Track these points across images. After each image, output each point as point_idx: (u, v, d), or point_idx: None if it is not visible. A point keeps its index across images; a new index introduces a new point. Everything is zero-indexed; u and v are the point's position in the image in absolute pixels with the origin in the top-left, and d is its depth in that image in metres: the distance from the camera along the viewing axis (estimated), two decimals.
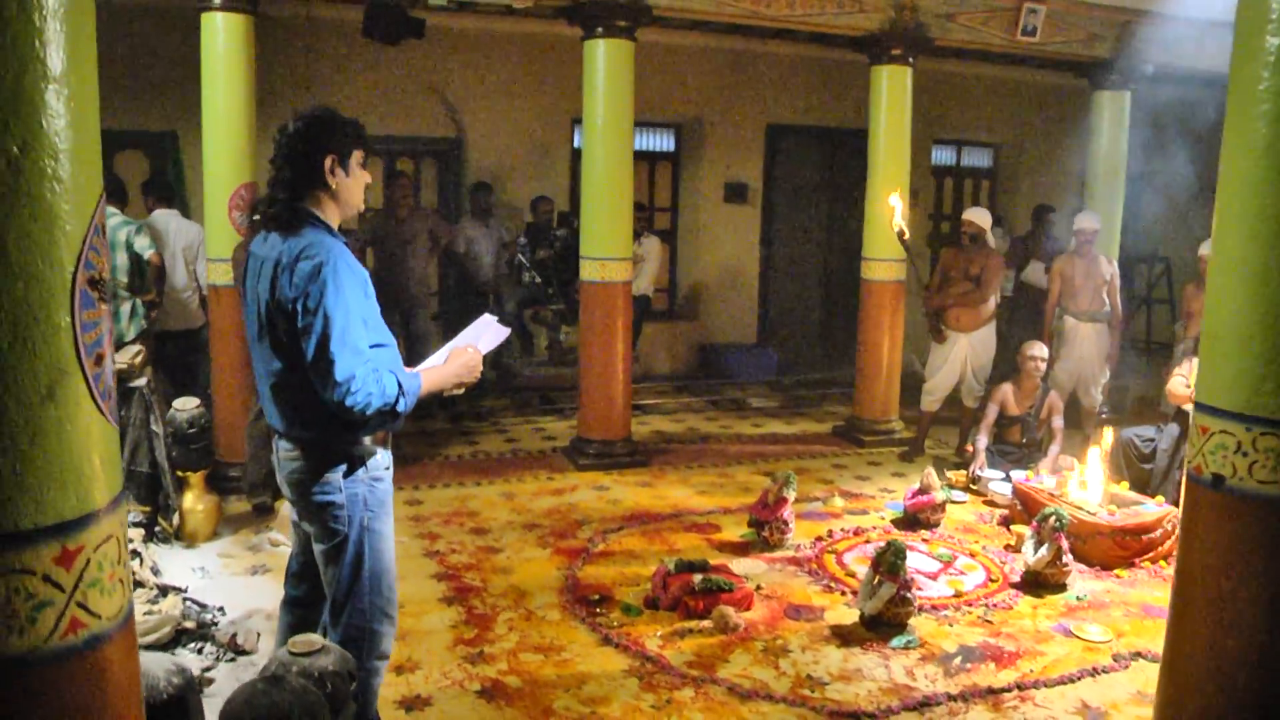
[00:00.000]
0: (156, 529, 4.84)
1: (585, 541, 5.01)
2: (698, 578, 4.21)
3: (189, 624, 3.98)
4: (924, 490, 5.34)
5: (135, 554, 4.31)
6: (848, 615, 4.23)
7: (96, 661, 1.31)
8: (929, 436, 6.90)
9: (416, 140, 8.15)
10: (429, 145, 8.29)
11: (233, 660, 3.76)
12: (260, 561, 4.69)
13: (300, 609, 2.92)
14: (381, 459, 2.68)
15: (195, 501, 4.91)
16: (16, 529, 1.12)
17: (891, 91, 6.60)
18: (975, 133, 9.74)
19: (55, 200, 1.34)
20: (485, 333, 2.88)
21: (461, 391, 2.80)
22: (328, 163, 2.55)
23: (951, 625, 4.18)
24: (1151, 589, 4.64)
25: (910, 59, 6.54)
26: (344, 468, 2.59)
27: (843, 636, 4.04)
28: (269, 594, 4.32)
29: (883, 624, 4.08)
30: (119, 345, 5.38)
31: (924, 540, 5.16)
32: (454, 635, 3.95)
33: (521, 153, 8.41)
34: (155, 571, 4.39)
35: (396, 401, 2.49)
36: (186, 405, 4.88)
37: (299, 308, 2.43)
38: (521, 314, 8.06)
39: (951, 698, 3.58)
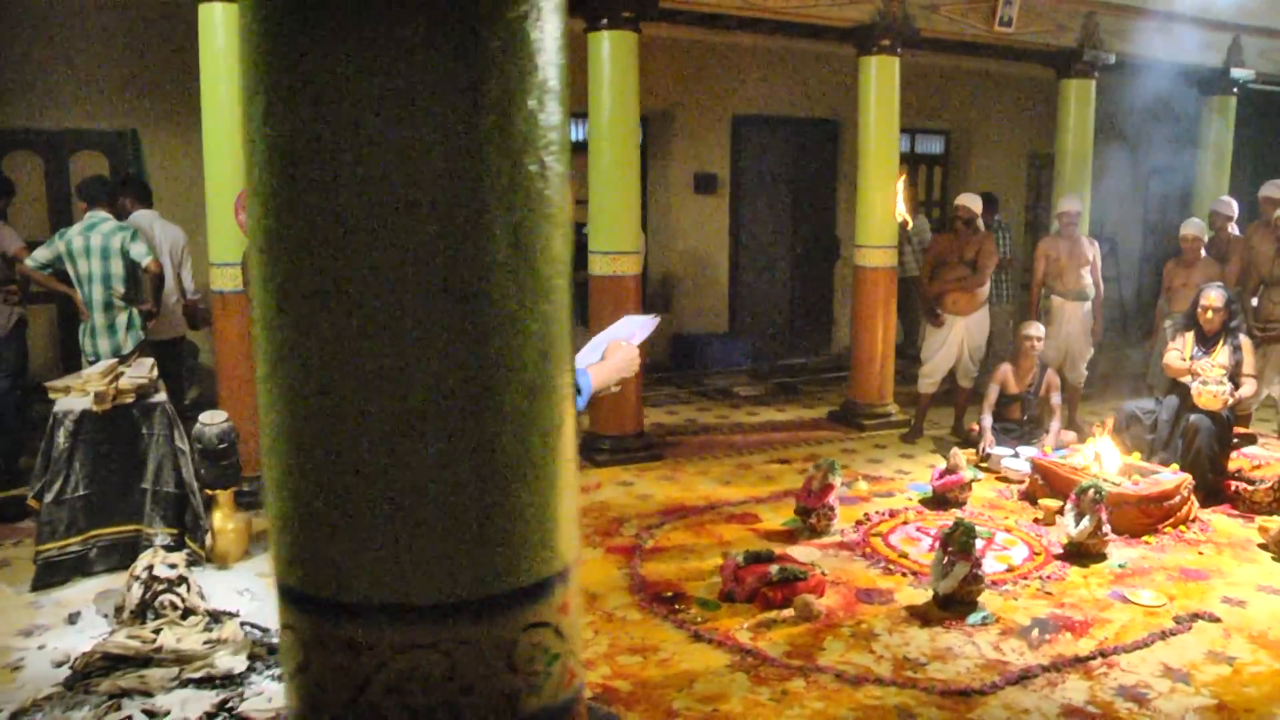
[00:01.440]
0: (185, 551, 4.58)
1: (633, 539, 4.97)
2: (774, 568, 4.23)
3: (259, 650, 3.79)
4: (951, 470, 5.49)
5: (182, 579, 4.08)
6: (917, 596, 4.32)
7: (578, 711, 1.23)
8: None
9: None
10: None
11: None
12: None
13: None
14: None
15: (225, 521, 4.67)
16: (539, 579, 1.04)
17: (881, 81, 6.73)
18: (927, 120, 10.03)
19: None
20: (636, 326, 2.83)
21: (619, 389, 2.74)
22: None
23: (1016, 599, 4.32)
24: (1181, 553, 4.89)
25: (898, 49, 6.68)
26: None
27: (921, 617, 4.13)
28: None
29: (955, 602, 4.18)
30: (119, 359, 5.07)
31: (956, 519, 5.30)
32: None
33: None
34: (202, 597, 4.16)
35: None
36: (215, 419, 4.63)
37: None
38: None
39: (1045, 669, 3.70)
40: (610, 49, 5.87)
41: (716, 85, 8.82)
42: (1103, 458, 5.50)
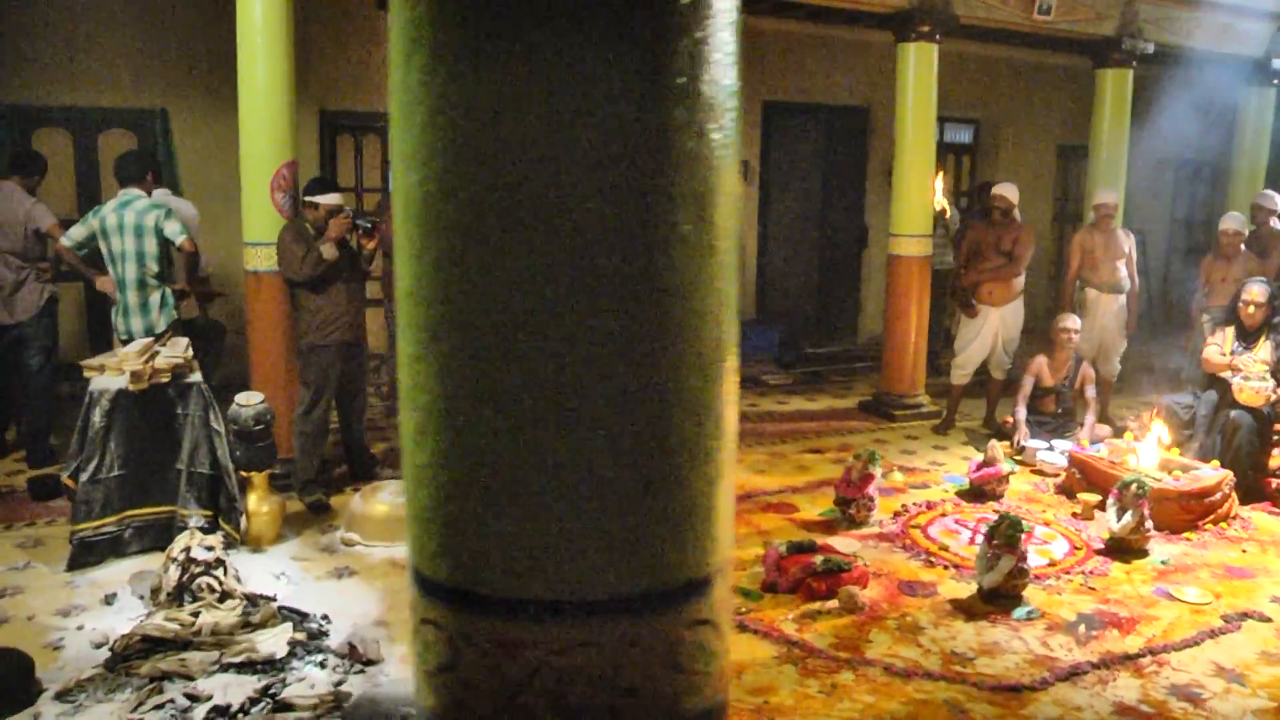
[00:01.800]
0: (220, 534, 4.54)
1: None
2: (819, 559, 4.18)
3: (300, 635, 3.75)
4: (989, 462, 5.43)
5: (219, 562, 4.04)
6: (960, 589, 4.27)
7: (726, 713, 1.16)
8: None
9: None
10: None
11: (361, 672, 3.55)
12: (341, 564, 4.45)
13: None
14: None
15: (260, 503, 4.63)
16: (705, 573, 0.97)
17: (919, 69, 6.63)
18: (956, 109, 9.90)
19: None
20: None
21: None
22: None
23: (1059, 594, 4.26)
24: (1223, 550, 4.82)
25: (937, 36, 6.57)
26: None
27: (965, 610, 4.07)
28: (363, 598, 4.12)
29: (1000, 596, 4.12)
30: (153, 338, 5.03)
31: (994, 512, 5.23)
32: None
33: None
34: (238, 580, 4.12)
35: None
36: (251, 400, 4.59)
37: None
38: None
39: (1095, 666, 3.65)
40: None
41: (747, 71, 8.69)
42: (1141, 452, 5.43)
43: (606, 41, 0.85)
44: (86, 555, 4.33)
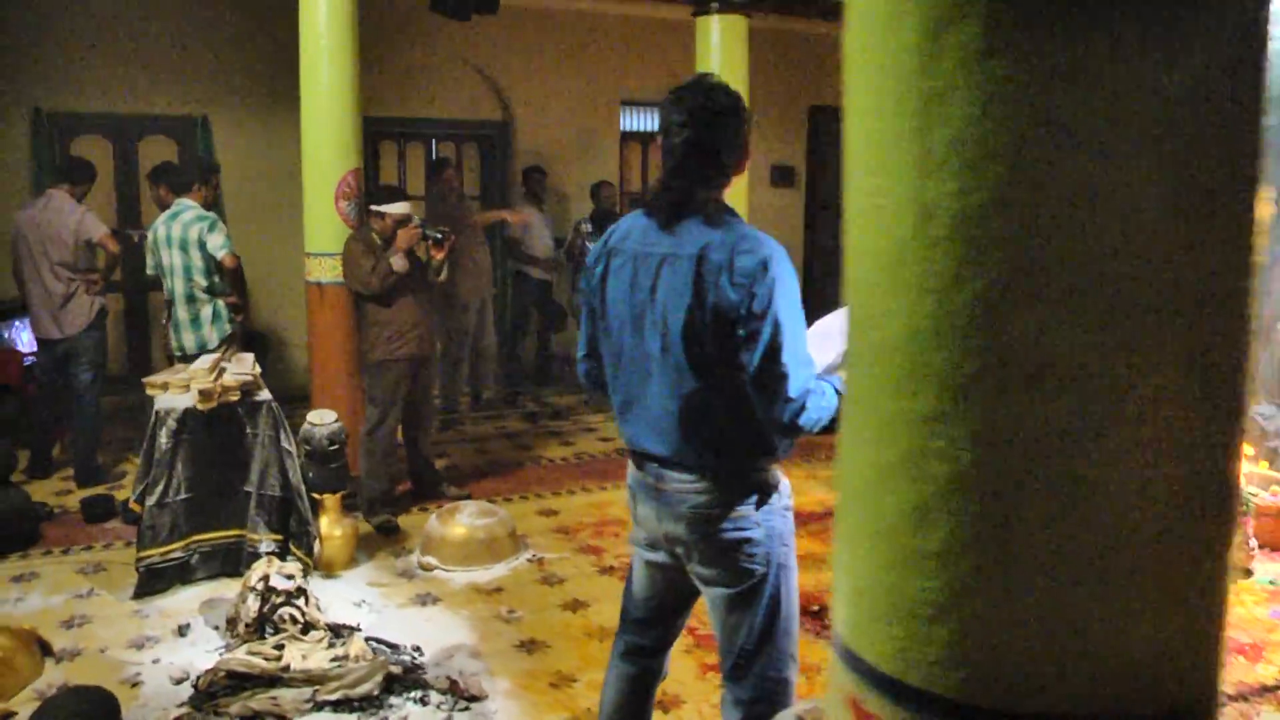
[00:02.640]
0: (295, 561, 4.34)
1: None
2: None
3: (395, 669, 3.55)
4: None
5: (301, 591, 3.85)
6: None
7: None
8: None
9: (461, 124, 7.65)
10: (474, 130, 7.80)
11: (466, 709, 3.36)
12: (422, 590, 4.26)
13: (645, 659, 2.58)
14: (785, 484, 2.37)
15: (333, 527, 4.44)
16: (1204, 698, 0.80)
17: None
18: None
19: None
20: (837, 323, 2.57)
21: None
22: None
23: None
24: None
25: None
26: (755, 498, 2.27)
27: None
28: (451, 627, 3.93)
29: None
30: (203, 352, 4.85)
31: None
32: (695, 661, 3.64)
33: (568, 137, 8.00)
34: (320, 609, 3.93)
35: (837, 413, 2.19)
36: (324, 419, 4.40)
37: (743, 312, 2.09)
38: None
39: (1232, 698, 3.47)
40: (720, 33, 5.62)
41: (793, 75, 8.55)
42: None
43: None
44: (154, 582, 4.13)
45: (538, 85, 7.80)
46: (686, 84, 2.25)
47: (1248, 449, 5.36)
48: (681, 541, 2.30)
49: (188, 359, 4.88)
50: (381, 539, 4.80)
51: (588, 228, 7.68)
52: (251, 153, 6.71)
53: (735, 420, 2.20)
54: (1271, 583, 4.45)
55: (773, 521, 2.28)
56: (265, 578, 3.83)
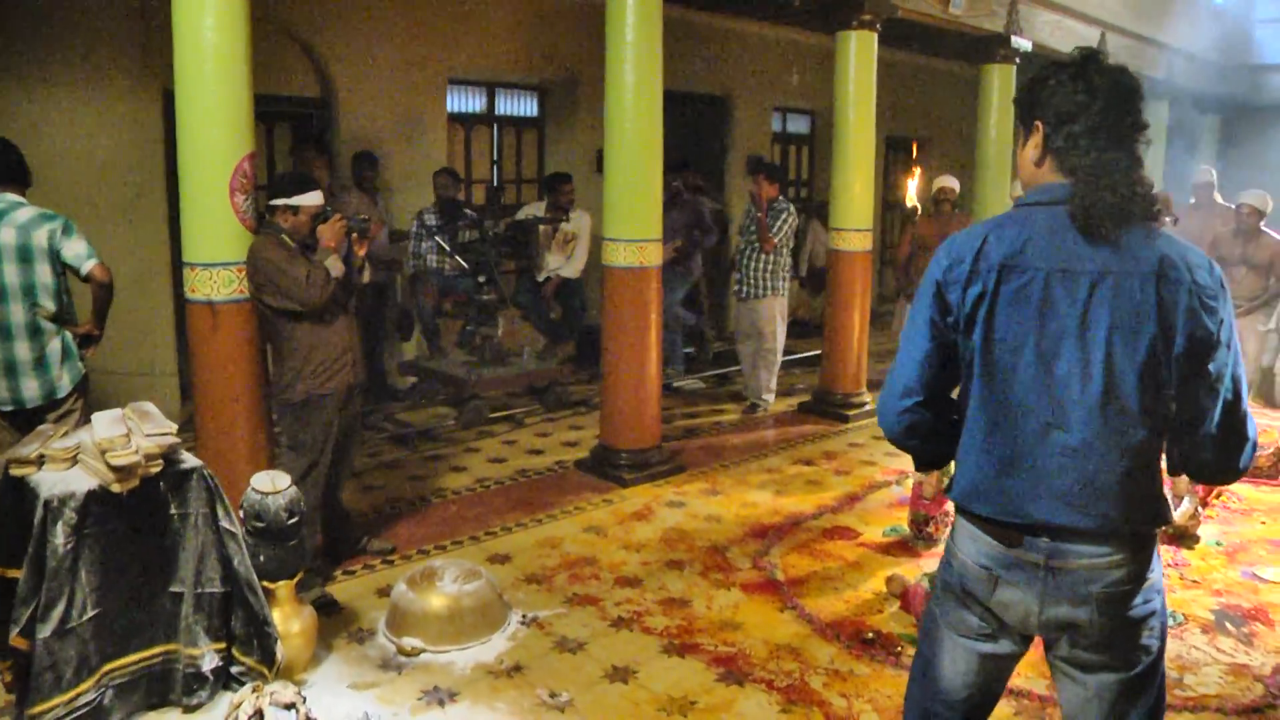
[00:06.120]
0: (235, 670, 3.31)
1: (755, 571, 4.35)
2: None
3: None
4: None
5: (290, 706, 2.93)
6: None
7: None
8: None
9: (269, 100, 6.39)
10: (286, 107, 6.57)
11: None
12: (425, 684, 3.40)
13: None
14: None
15: (288, 620, 3.41)
16: None
17: (860, 59, 6.44)
18: (796, 100, 9.96)
19: None
20: None
21: None
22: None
23: (1172, 592, 4.25)
24: (1246, 525, 5.08)
25: (877, 25, 6.42)
26: (1156, 562, 1.90)
27: None
28: None
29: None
30: (50, 404, 3.60)
31: None
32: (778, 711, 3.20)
33: (390, 119, 7.01)
34: None
35: None
36: (276, 484, 3.37)
37: (1214, 341, 1.72)
38: (439, 306, 6.80)
39: None
40: (635, 10, 5.07)
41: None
42: None
43: None
44: None
45: (360, 61, 6.74)
46: (1085, 54, 1.83)
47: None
48: (1074, 626, 1.87)
49: (28, 416, 3.58)
50: (323, 620, 3.81)
51: (432, 220, 6.80)
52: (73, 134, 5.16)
53: (1158, 474, 1.83)
54: (1218, 544, 4.79)
55: (1161, 585, 1.94)
56: (258, 713, 2.86)
